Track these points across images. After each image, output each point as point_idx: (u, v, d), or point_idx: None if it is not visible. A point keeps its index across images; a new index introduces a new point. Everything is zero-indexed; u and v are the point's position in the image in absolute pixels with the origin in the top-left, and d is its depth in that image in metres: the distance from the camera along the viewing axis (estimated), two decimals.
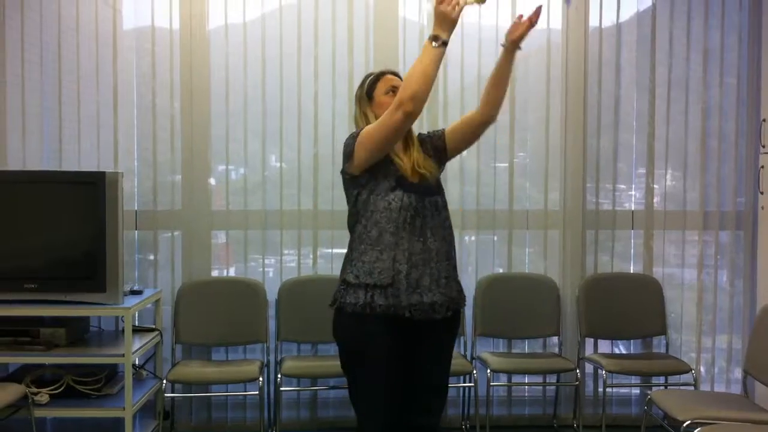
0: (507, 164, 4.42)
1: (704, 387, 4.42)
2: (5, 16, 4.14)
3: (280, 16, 4.30)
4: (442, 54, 2.48)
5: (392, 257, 2.55)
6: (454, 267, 2.71)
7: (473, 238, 4.45)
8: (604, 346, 4.46)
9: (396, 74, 2.81)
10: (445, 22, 2.46)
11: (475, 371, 4.06)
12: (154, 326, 4.10)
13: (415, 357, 2.66)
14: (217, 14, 4.29)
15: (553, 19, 4.40)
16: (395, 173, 2.63)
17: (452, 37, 2.49)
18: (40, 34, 4.20)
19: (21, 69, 4.17)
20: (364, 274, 2.58)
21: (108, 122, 4.26)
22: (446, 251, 2.65)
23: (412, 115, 2.47)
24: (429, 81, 2.46)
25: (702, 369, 4.46)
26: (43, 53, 4.21)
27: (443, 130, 2.83)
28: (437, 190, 2.70)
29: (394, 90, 2.67)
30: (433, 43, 2.45)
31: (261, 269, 4.35)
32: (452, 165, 4.31)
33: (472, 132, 2.81)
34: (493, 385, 4.20)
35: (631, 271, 4.50)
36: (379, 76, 2.79)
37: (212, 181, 4.37)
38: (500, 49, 2.74)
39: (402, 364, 2.62)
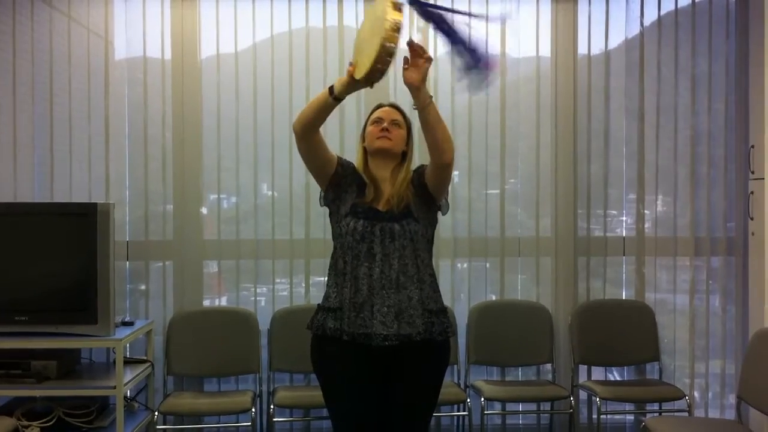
0: (498, 191, 4.43)
1: (698, 413, 4.41)
2: None
3: (272, 46, 4.34)
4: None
5: (341, 282, 2.65)
6: (411, 297, 2.60)
7: (465, 265, 4.45)
8: (598, 372, 4.45)
9: (394, 107, 2.82)
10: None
11: (468, 400, 4.05)
12: (145, 357, 4.08)
13: (389, 383, 2.66)
14: (208, 44, 4.32)
15: (542, 47, 4.45)
16: (352, 199, 2.71)
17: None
18: (32, 65, 4.22)
19: (12, 100, 4.19)
20: (323, 298, 2.72)
21: (99, 153, 4.27)
22: (395, 279, 2.59)
23: (295, 132, 2.61)
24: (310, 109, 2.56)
25: (696, 394, 4.46)
26: (34, 84, 4.22)
27: (424, 167, 2.75)
28: (399, 217, 2.64)
29: (378, 120, 2.76)
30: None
31: (253, 299, 4.34)
32: None
33: (437, 176, 2.67)
34: (487, 414, 4.17)
35: (623, 298, 4.51)
36: (378, 107, 2.83)
37: (204, 210, 4.37)
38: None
39: (366, 388, 2.65)
